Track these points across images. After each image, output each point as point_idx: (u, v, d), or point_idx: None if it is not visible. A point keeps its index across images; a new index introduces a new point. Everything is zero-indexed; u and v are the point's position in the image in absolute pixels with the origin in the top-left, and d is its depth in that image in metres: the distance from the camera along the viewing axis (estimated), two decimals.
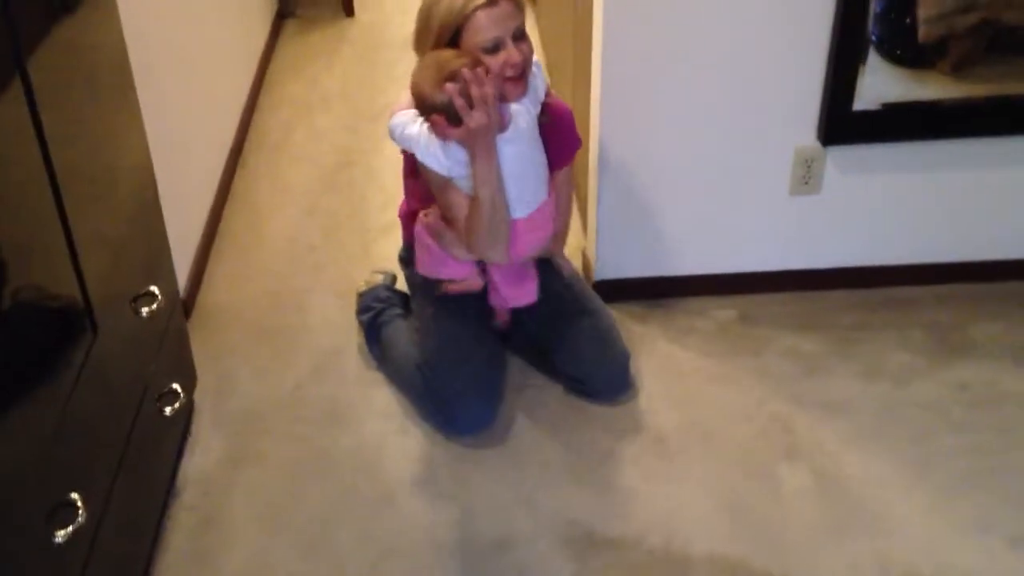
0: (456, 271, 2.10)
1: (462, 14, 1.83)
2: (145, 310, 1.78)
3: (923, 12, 2.40)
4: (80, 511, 1.40)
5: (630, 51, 2.16)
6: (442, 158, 1.89)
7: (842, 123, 2.27)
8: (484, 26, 1.83)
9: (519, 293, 2.13)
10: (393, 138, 1.96)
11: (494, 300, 2.17)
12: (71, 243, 1.50)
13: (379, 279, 2.42)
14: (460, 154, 1.89)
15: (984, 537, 1.87)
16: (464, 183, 1.93)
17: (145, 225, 1.93)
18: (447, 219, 2.01)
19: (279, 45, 3.98)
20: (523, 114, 1.92)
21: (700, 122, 2.27)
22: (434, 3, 1.87)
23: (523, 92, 1.92)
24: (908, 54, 2.37)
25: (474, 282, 2.13)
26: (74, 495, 1.41)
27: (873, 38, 2.40)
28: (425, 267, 2.13)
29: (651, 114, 2.25)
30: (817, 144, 2.30)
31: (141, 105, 1.91)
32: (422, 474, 2.04)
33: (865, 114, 2.27)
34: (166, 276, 2.01)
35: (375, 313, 2.32)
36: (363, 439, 2.12)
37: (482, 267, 2.11)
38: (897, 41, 2.37)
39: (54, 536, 1.35)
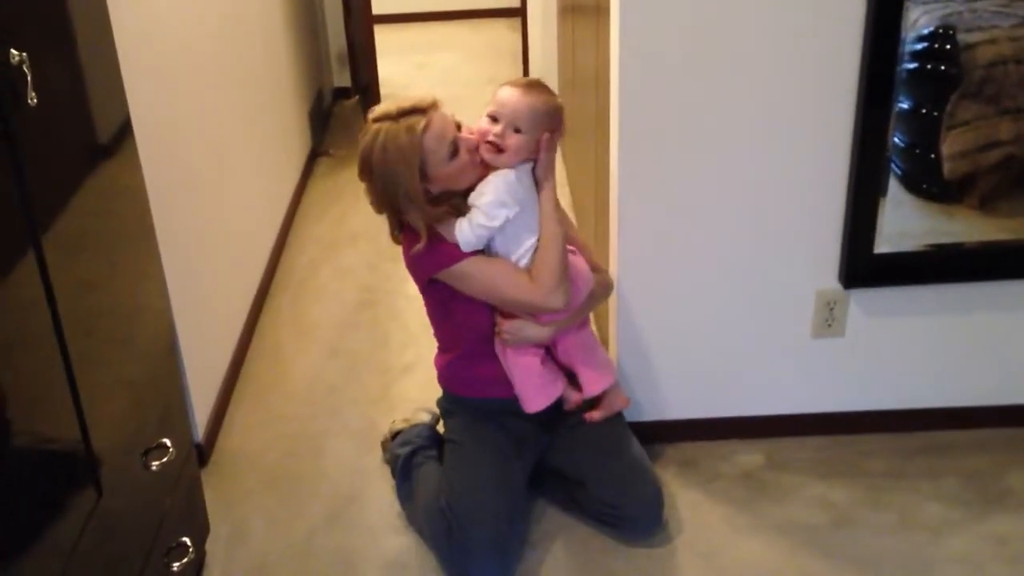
0: (554, 388, 2.14)
1: (416, 144, 1.92)
2: (155, 464, 1.77)
3: (947, 149, 2.41)
4: None
5: (647, 193, 2.17)
6: (511, 201, 1.96)
7: (863, 266, 2.25)
8: (440, 135, 1.94)
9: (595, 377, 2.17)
10: (467, 243, 1.98)
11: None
12: (76, 396, 1.50)
13: (424, 417, 2.39)
14: (520, 193, 1.98)
15: None
16: (515, 229, 2.00)
17: (160, 374, 1.93)
18: (505, 310, 2.08)
19: (311, 183, 4.08)
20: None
21: (719, 264, 2.26)
22: (390, 159, 1.93)
23: (508, 162, 1.99)
24: (934, 189, 2.36)
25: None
26: None
27: (898, 172, 2.41)
28: (533, 395, 2.12)
29: (670, 255, 2.24)
30: (839, 287, 2.27)
31: (167, 252, 1.95)
32: None
33: (887, 257, 2.25)
34: (180, 426, 2.00)
35: (412, 449, 2.28)
36: None
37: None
38: (923, 176, 2.37)
39: None
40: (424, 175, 1.95)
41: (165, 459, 1.78)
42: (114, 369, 1.67)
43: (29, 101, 1.34)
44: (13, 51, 1.31)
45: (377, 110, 2.00)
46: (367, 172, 1.99)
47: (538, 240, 2.01)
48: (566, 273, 2.01)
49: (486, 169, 2.00)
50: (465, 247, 1.98)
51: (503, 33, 6.09)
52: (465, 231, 1.97)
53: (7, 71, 1.30)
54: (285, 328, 3.05)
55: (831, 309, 2.31)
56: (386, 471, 2.38)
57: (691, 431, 2.43)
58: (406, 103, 1.97)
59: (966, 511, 2.20)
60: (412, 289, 3.20)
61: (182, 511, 1.98)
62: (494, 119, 1.97)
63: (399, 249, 3.43)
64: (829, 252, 2.26)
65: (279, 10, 3.86)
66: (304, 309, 3.15)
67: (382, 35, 4.45)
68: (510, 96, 1.97)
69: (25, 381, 1.35)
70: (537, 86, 2.01)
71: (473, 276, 2.01)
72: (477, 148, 1.99)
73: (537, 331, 2.08)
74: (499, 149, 1.96)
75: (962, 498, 2.23)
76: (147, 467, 1.76)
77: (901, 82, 2.39)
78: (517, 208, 1.97)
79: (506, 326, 2.08)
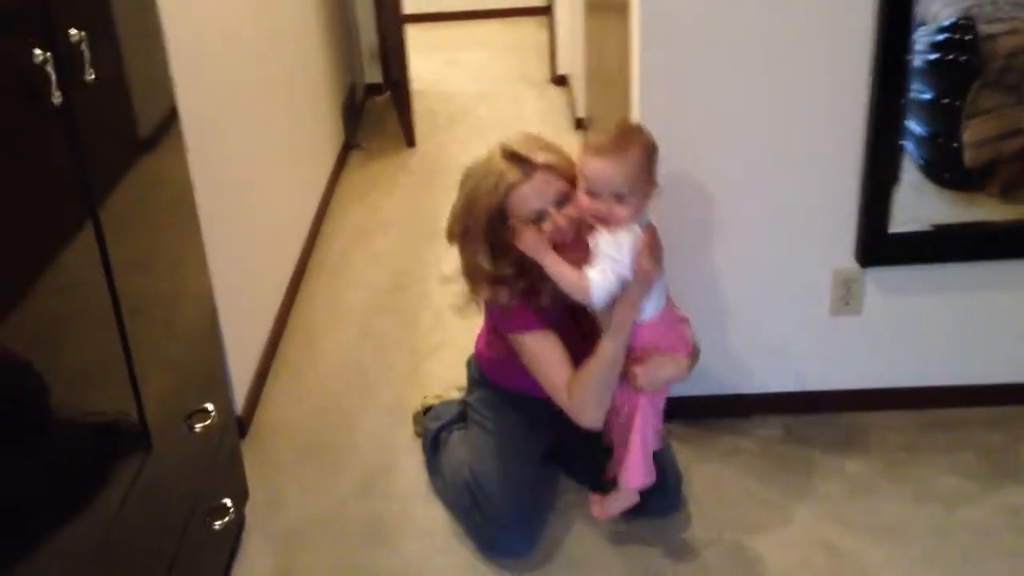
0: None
1: (501, 193, 1.89)
2: (199, 426, 1.87)
3: (968, 136, 2.45)
4: None
5: (670, 179, 2.24)
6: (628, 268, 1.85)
7: (879, 245, 2.31)
8: (524, 200, 1.89)
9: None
10: (601, 292, 1.86)
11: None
12: (130, 364, 1.60)
13: (455, 394, 2.47)
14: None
15: None
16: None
17: (203, 348, 2.03)
18: (547, 384, 2.00)
19: (344, 175, 4.19)
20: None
21: (739, 244, 2.33)
22: (475, 188, 1.93)
23: (582, 252, 1.90)
24: (956, 178, 2.41)
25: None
26: None
27: (920, 162, 2.46)
28: (647, 470, 2.01)
29: (691, 233, 2.31)
30: (856, 266, 2.33)
31: (208, 237, 2.05)
32: None
33: (902, 236, 2.31)
34: (221, 395, 2.10)
35: (442, 424, 2.37)
36: (406, 558, 2.15)
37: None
38: (944, 165, 2.42)
39: None
40: (497, 225, 1.92)
41: (207, 422, 1.89)
42: (163, 342, 1.78)
43: (87, 78, 1.45)
44: (73, 30, 1.42)
45: (507, 138, 1.96)
46: (460, 186, 1.99)
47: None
48: (605, 396, 1.92)
49: (567, 246, 1.92)
50: (599, 297, 1.86)
51: (532, 31, 6.18)
52: (598, 280, 1.84)
53: (68, 48, 1.40)
54: (319, 311, 3.16)
55: (848, 288, 2.37)
56: (416, 444, 2.48)
57: (711, 407, 2.50)
58: (521, 146, 1.91)
59: (980, 483, 2.25)
60: (439, 271, 3.32)
61: (223, 475, 2.09)
62: (591, 193, 1.84)
63: (431, 232, 3.56)
64: (845, 232, 2.31)
65: (312, 8, 3.98)
66: (337, 293, 3.26)
67: (413, 33, 4.56)
68: (600, 169, 1.82)
69: (85, 348, 1.46)
70: (623, 141, 1.86)
71: (524, 350, 2.00)
72: (568, 226, 1.90)
73: (676, 367, 1.95)
74: (607, 222, 1.85)
75: (976, 471, 2.29)
76: (191, 429, 1.87)
77: (922, 72, 2.45)
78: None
79: (640, 370, 1.92)
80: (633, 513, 2.15)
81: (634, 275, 1.84)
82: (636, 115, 2.25)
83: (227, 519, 1.99)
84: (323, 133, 4.01)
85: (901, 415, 2.48)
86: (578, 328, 2.06)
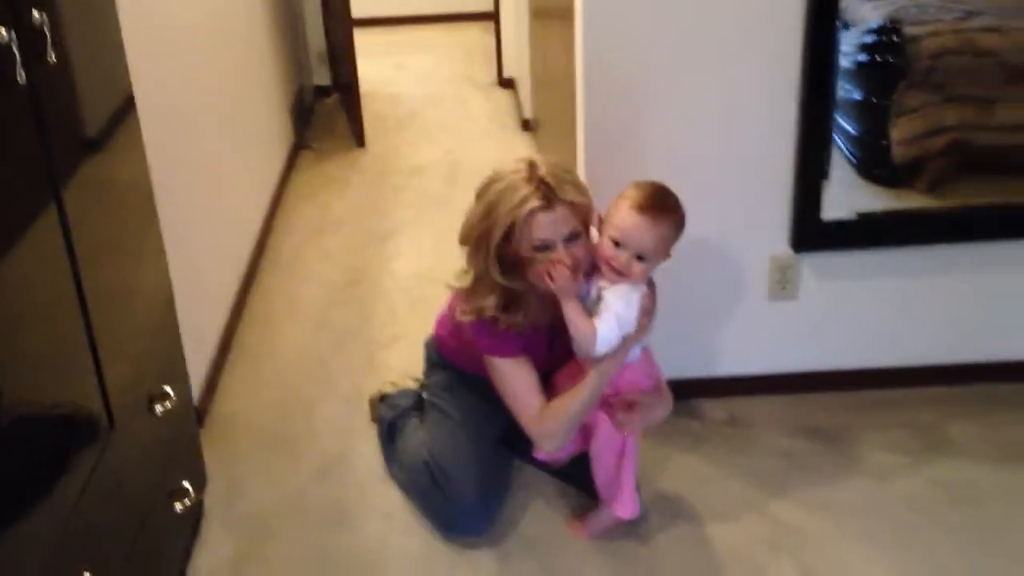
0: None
1: (519, 214, 1.90)
2: (159, 408, 1.91)
3: (896, 135, 2.59)
4: None
5: (613, 160, 2.33)
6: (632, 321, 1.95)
7: (811, 232, 2.42)
8: (538, 228, 1.91)
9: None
10: (606, 343, 1.94)
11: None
12: (95, 351, 1.64)
13: (411, 384, 2.53)
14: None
15: None
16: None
17: (162, 334, 2.07)
18: (515, 406, 2.07)
19: (295, 174, 4.22)
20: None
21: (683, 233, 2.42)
22: (497, 201, 1.93)
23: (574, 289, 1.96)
24: (886, 174, 2.54)
25: None
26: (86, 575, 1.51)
27: (853, 160, 2.59)
28: (633, 499, 2.13)
29: None
30: (791, 252, 2.45)
31: (164, 231, 2.08)
32: (420, 573, 2.11)
33: (833, 224, 2.42)
34: (180, 381, 2.14)
35: (398, 413, 2.42)
36: (365, 540, 2.20)
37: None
38: (875, 163, 2.55)
39: None
40: (508, 241, 1.95)
41: (168, 404, 1.92)
42: (124, 330, 1.81)
43: (49, 59, 1.49)
44: (35, 11, 1.45)
45: (537, 157, 2.00)
46: (483, 192, 2.00)
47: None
48: (574, 429, 2.03)
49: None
50: (601, 350, 1.93)
51: (478, 36, 6.27)
52: (605, 334, 1.92)
53: (31, 29, 1.44)
54: (274, 305, 3.19)
55: (784, 273, 2.48)
56: (373, 431, 2.53)
57: None
58: (552, 176, 1.92)
59: (913, 458, 2.37)
60: (397, 268, 3.38)
61: (183, 459, 2.12)
62: (617, 243, 1.91)
63: (383, 232, 3.61)
64: (781, 220, 2.43)
65: (260, 11, 4.01)
66: (292, 288, 3.29)
67: (360, 38, 4.60)
68: (636, 227, 1.89)
69: (49, 329, 1.50)
70: (665, 205, 1.93)
71: (499, 372, 2.06)
72: (571, 265, 1.92)
73: (664, 407, 2.08)
74: (622, 274, 1.92)
75: (909, 447, 2.41)
76: (151, 411, 1.90)
77: (853, 73, 2.58)
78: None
79: (630, 418, 2.04)
80: (587, 493, 2.23)
81: (635, 331, 1.94)
82: (580, 116, 2.34)
83: (188, 502, 2.02)
84: (273, 132, 4.04)
85: (838, 396, 2.60)
86: (549, 349, 2.14)
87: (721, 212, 2.41)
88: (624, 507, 2.11)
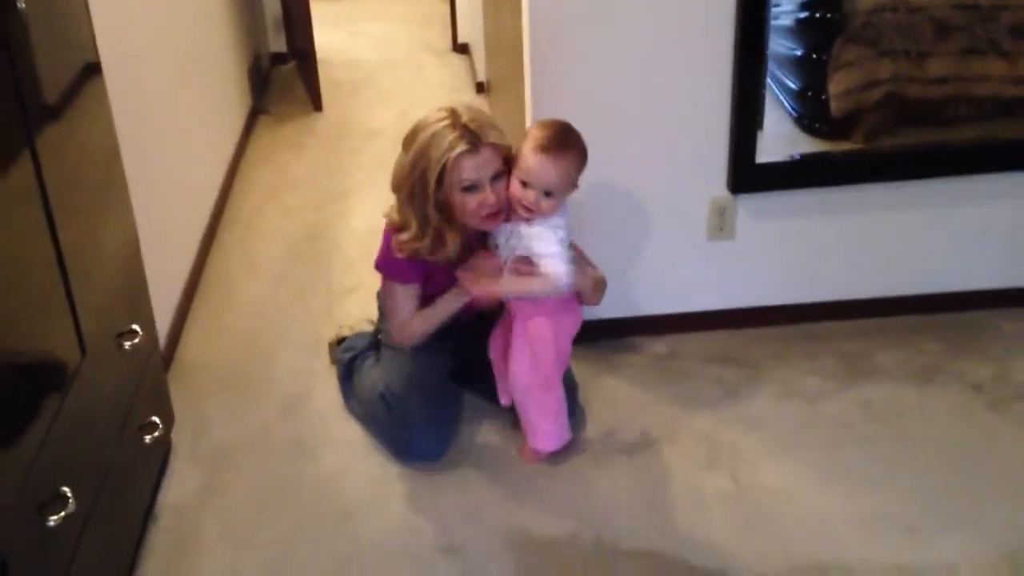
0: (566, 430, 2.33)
1: (448, 158, 2.05)
2: (128, 344, 2.01)
3: (833, 88, 2.72)
4: (71, 502, 1.60)
5: (559, 114, 2.44)
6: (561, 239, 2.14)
7: (747, 175, 2.56)
8: (465, 170, 2.07)
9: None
10: (566, 282, 2.15)
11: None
12: (68, 285, 1.74)
13: (367, 327, 2.65)
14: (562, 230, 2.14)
15: (881, 529, 2.09)
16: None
17: (130, 279, 2.17)
18: (389, 313, 2.35)
19: (253, 139, 4.30)
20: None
21: (623, 176, 2.56)
22: (425, 147, 2.08)
23: (497, 225, 2.16)
24: (825, 127, 2.67)
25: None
26: (65, 488, 1.62)
27: (794, 114, 2.72)
28: (558, 431, 2.31)
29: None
30: (728, 194, 2.59)
31: (137, 191, 2.18)
32: (378, 495, 2.24)
33: (768, 166, 2.57)
34: (147, 322, 2.24)
35: (355, 354, 2.54)
36: (325, 468, 2.33)
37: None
38: (814, 116, 2.68)
39: (47, 521, 1.55)
40: (439, 185, 2.10)
41: (136, 340, 2.03)
42: (96, 276, 1.91)
43: (19, 4, 1.58)
44: None
45: (457, 104, 2.13)
46: (410, 141, 2.13)
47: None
48: (425, 334, 2.29)
49: (488, 222, 2.15)
50: (566, 282, 2.13)
51: (433, 3, 6.34)
52: (557, 269, 2.11)
53: None
54: (234, 260, 3.29)
55: (722, 214, 2.62)
56: (332, 373, 2.65)
57: (600, 330, 2.72)
58: (474, 122, 2.07)
59: (839, 383, 2.54)
60: (354, 224, 3.49)
61: (150, 398, 2.23)
62: (524, 183, 2.07)
63: (340, 192, 3.72)
64: (719, 164, 2.57)
65: None
66: (252, 245, 3.39)
67: (315, 6, 4.65)
68: (539, 165, 2.04)
69: (26, 270, 1.60)
70: (564, 143, 2.08)
71: (390, 290, 2.30)
72: (496, 203, 2.10)
73: (541, 284, 2.15)
74: (532, 211, 2.08)
75: (835, 373, 2.58)
76: (120, 346, 2.01)
77: (793, 30, 2.71)
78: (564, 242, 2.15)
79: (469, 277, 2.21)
80: None
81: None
82: (527, 75, 2.45)
83: (156, 434, 2.13)
84: (230, 97, 4.11)
85: (773, 330, 2.76)
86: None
87: (663, 159, 2.54)
88: (538, 441, 2.29)
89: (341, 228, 3.46)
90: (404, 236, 2.18)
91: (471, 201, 2.10)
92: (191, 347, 2.82)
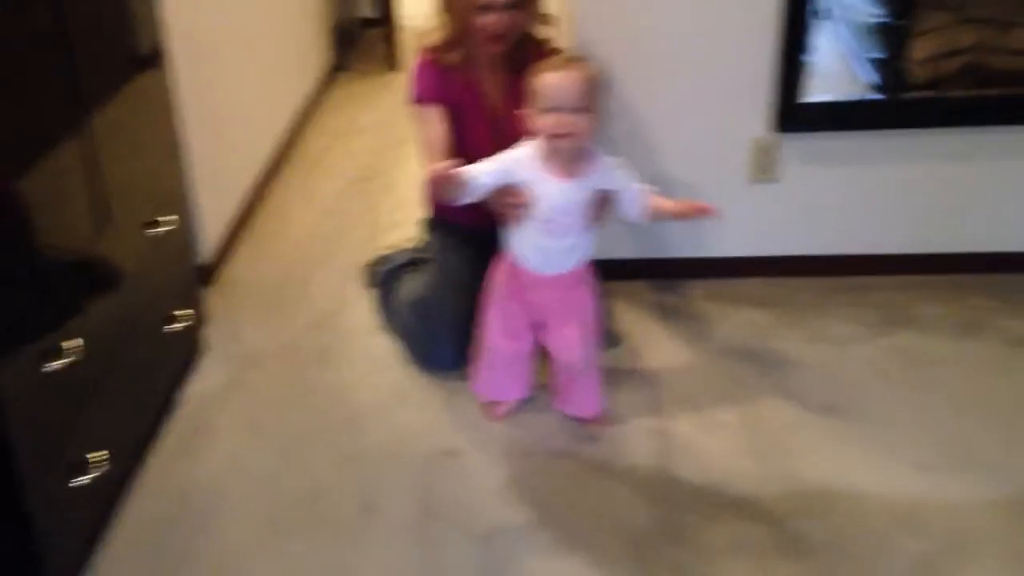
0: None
1: None
2: (160, 230, 2.11)
3: (914, 55, 2.62)
4: (71, 351, 1.69)
5: (607, 57, 2.42)
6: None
7: (794, 112, 2.47)
8: None
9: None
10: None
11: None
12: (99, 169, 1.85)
13: (407, 247, 2.69)
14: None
15: (891, 463, 2.02)
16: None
17: (164, 181, 2.26)
18: (423, 151, 2.30)
19: (331, 90, 4.44)
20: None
21: (663, 115, 2.53)
22: None
23: (498, 49, 2.22)
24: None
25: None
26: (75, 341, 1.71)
27: (871, 83, 2.64)
28: (509, 384, 2.25)
29: (622, 110, 2.50)
30: (773, 134, 2.52)
31: (188, 116, 2.38)
32: (389, 403, 2.28)
33: (816, 105, 2.48)
34: (178, 225, 2.28)
35: (394, 266, 2.59)
36: (344, 377, 2.38)
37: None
38: (893, 84, 2.59)
39: (45, 367, 1.64)
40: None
41: (160, 231, 2.12)
42: (127, 153, 2.01)
43: None
44: None
45: None
46: None
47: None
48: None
49: (491, 43, 2.19)
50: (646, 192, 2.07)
51: None
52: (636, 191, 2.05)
53: None
54: (293, 194, 3.40)
55: (766, 155, 2.56)
56: (365, 295, 2.70)
57: (637, 271, 2.70)
58: None
59: (874, 330, 2.46)
60: (408, 168, 3.55)
61: (179, 290, 2.32)
62: (554, 110, 1.91)
63: (401, 140, 3.78)
64: (764, 103, 2.50)
65: None
66: (313, 182, 3.49)
67: None
68: (557, 80, 1.92)
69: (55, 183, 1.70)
70: (571, 61, 2.00)
71: (417, 121, 2.31)
72: (506, 26, 2.17)
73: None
74: (571, 135, 1.92)
75: (872, 321, 2.49)
76: (143, 234, 2.10)
77: None
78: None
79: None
80: None
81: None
82: (576, 9, 2.44)
83: (182, 326, 2.22)
84: (307, 52, 4.26)
85: (815, 281, 2.69)
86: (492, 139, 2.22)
87: (705, 95, 2.50)
88: (599, 403, 2.19)
89: (396, 171, 3.53)
90: (437, 42, 2.26)
91: (480, 21, 2.17)
92: (238, 266, 2.92)
